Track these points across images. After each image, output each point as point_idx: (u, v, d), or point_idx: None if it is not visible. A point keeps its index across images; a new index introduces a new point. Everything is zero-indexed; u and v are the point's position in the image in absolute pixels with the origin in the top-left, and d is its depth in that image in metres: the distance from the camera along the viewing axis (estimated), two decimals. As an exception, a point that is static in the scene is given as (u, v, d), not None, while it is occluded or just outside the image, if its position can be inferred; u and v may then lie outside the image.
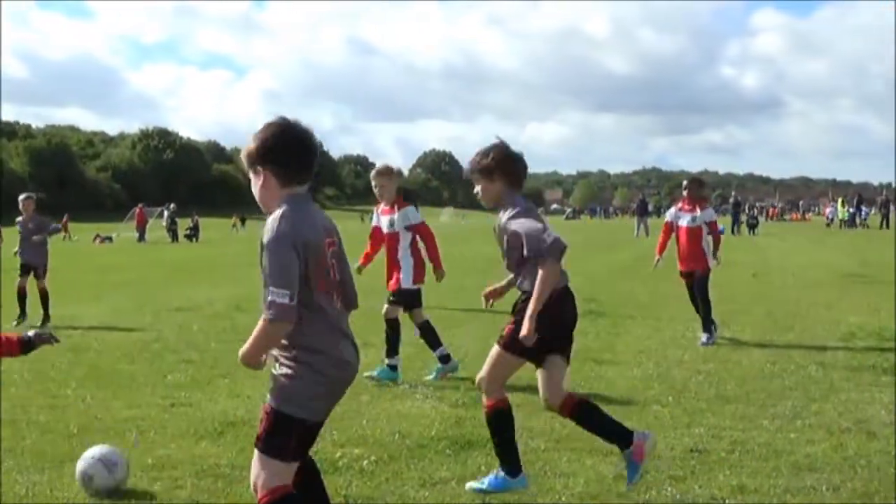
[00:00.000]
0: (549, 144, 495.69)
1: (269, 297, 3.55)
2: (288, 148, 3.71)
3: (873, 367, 9.06)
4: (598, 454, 6.04)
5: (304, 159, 3.74)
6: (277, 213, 3.65)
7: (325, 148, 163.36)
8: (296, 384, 3.69)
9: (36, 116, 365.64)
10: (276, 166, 3.70)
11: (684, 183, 11.63)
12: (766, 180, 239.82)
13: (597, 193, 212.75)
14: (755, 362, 9.42)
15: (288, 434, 3.72)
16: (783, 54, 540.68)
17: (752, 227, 49.78)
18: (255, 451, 3.81)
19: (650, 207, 56.90)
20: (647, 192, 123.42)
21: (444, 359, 8.97)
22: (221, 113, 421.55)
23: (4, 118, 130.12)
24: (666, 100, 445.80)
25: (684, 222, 11.05)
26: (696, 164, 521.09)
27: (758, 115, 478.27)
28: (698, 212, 11.01)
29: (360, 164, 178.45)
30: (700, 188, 11.49)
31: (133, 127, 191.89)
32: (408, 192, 9.65)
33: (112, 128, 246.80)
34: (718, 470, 5.71)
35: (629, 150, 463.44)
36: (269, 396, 3.77)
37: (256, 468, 3.82)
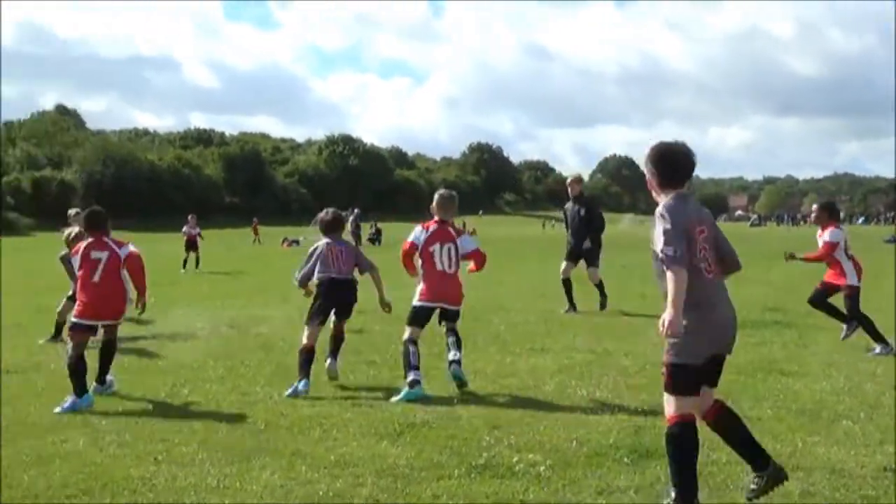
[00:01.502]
0: (732, 149, 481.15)
1: (664, 255, 4.89)
2: (663, 161, 5.16)
3: None
4: (783, 469, 5.83)
5: (674, 168, 5.16)
6: (664, 201, 5.09)
7: (506, 154, 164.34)
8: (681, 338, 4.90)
9: (227, 124, 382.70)
10: (656, 172, 5.18)
11: (813, 206, 11.85)
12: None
13: (784, 200, 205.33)
14: (956, 378, 8.89)
15: (672, 375, 5.04)
16: None
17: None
18: None
19: (842, 214, 54.38)
20: (839, 199, 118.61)
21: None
22: (402, 119, 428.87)
23: (198, 126, 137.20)
24: (855, 102, 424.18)
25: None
26: (891, 168, 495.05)
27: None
28: (826, 235, 11.18)
29: (541, 170, 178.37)
30: (829, 215, 11.48)
31: (317, 133, 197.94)
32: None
33: (297, 135, 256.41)
34: (914, 491, 5.42)
35: (818, 154, 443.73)
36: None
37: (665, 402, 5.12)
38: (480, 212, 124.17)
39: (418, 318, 8.74)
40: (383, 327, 12.76)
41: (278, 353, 10.63)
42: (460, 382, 8.52)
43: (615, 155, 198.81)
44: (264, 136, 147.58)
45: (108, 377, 8.73)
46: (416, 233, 8.86)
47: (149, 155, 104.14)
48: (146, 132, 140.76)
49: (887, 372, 9.21)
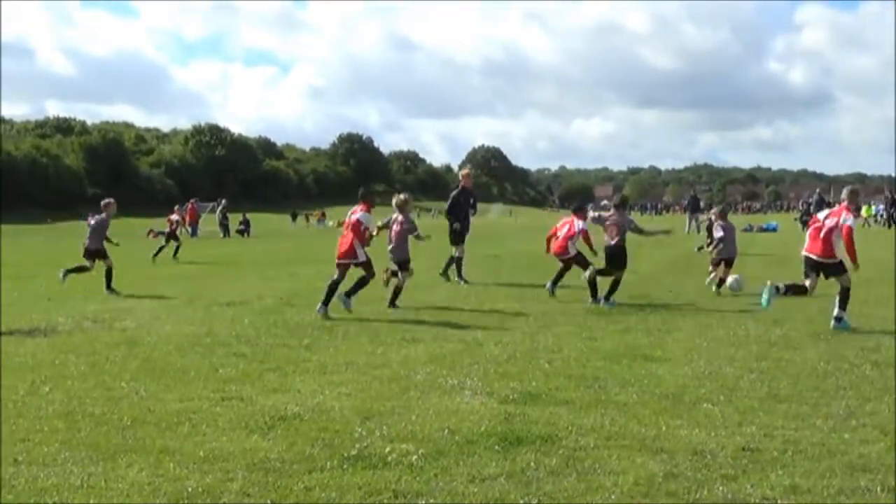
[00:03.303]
0: (595, 140, 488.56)
1: None
2: None
3: (930, 366, 8.90)
4: (648, 452, 6.01)
5: None
6: None
7: (376, 144, 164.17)
8: None
9: (85, 113, 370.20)
10: None
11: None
12: (820, 176, 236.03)
13: (648, 190, 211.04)
14: (808, 361, 9.30)
15: None
16: (830, 49, 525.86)
17: (806, 223, 49.06)
18: None
19: (702, 204, 56.12)
20: (699, 189, 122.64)
21: None
22: (267, 109, 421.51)
23: (56, 114, 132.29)
24: (711, 95, 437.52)
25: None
26: (747, 159, 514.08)
27: (808, 110, 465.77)
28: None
29: (410, 160, 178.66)
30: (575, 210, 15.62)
31: (180, 123, 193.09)
32: None
33: (158, 124, 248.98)
34: (771, 469, 5.65)
35: (678, 145, 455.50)
36: None
37: None
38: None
39: None
40: (252, 319, 12.61)
41: (144, 348, 10.36)
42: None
43: (483, 145, 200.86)
44: (128, 126, 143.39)
45: (352, 299, 13.00)
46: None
47: (4, 144, 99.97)
48: (1, 120, 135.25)
49: (745, 356, 9.57)
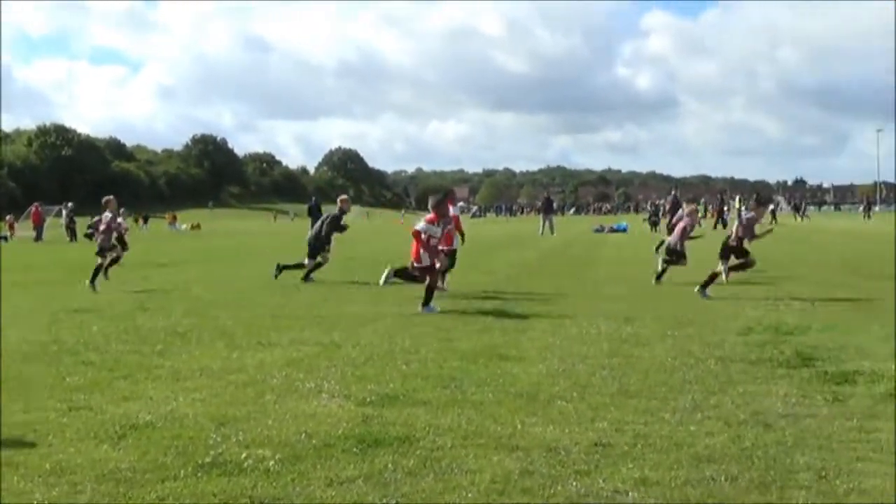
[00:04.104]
0: (451, 142, 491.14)
1: None
2: None
3: (770, 360, 9.29)
4: (504, 450, 6.08)
5: None
6: None
7: (230, 146, 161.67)
8: None
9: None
10: None
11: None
12: (667, 178, 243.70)
13: (503, 191, 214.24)
14: (657, 357, 9.58)
15: None
16: (674, 55, 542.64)
17: (655, 224, 50.62)
18: None
19: (555, 205, 57.30)
20: (553, 191, 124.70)
21: None
22: (116, 109, 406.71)
23: None
24: (564, 98, 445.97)
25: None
26: (598, 162, 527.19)
27: (655, 114, 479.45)
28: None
29: (266, 162, 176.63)
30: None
31: (23, 123, 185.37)
32: None
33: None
34: (622, 463, 5.80)
35: (532, 148, 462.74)
36: None
37: None
38: (210, 204, 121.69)
39: None
40: (102, 326, 12.23)
41: (-15, 358, 9.91)
42: None
43: (340, 147, 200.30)
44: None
45: (432, 305, 13.52)
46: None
47: None
48: None
49: (597, 354, 9.80)
